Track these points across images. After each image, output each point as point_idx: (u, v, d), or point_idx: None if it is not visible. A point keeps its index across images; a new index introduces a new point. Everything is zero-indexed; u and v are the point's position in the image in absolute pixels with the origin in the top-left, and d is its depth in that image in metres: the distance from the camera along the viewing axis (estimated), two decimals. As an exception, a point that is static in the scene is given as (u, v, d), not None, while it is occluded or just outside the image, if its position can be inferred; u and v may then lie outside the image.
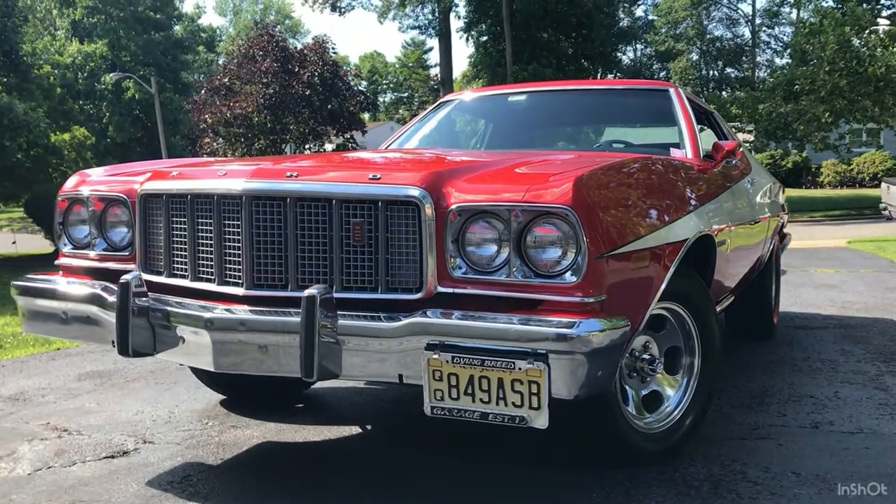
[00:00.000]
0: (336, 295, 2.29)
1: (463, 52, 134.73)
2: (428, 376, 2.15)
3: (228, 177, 2.44)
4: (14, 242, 21.93)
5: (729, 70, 70.01)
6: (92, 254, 2.85)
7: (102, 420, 3.39)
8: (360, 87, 20.59)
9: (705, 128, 5.16)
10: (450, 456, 2.94)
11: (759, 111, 31.40)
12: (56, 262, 2.95)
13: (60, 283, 2.77)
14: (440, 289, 2.27)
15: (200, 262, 2.52)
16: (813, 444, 3.11)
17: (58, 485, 2.64)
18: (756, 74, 66.42)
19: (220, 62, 30.29)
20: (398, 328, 2.17)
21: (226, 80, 18.75)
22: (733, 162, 4.08)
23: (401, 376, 2.21)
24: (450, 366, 2.13)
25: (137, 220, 2.69)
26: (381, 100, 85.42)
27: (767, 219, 4.97)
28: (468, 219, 2.25)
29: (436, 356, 2.13)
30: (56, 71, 40.07)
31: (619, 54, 48.83)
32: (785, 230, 6.40)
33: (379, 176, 2.33)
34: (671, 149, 3.82)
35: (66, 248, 2.92)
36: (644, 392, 2.89)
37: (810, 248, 14.71)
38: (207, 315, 2.30)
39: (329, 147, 20.23)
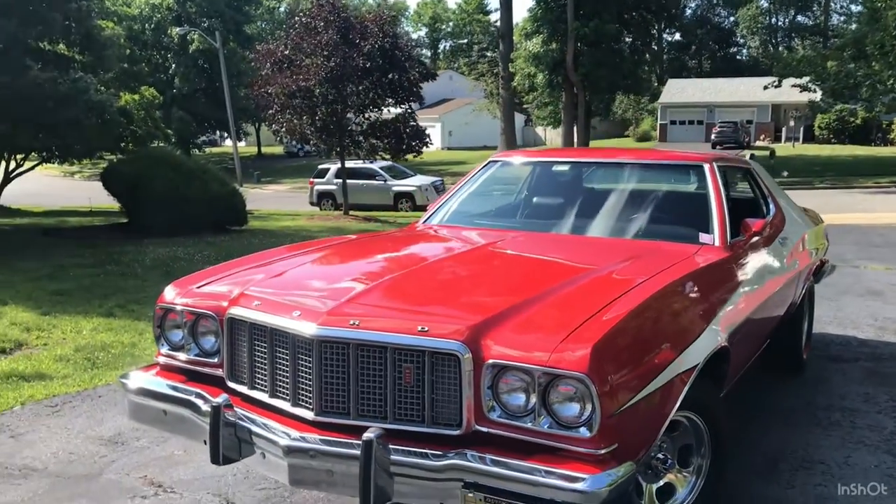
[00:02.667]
0: (388, 426, 2.76)
1: (524, 2, 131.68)
2: (463, 507, 2.61)
3: (302, 318, 2.90)
4: (90, 198, 23.21)
5: (800, 18, 67.56)
6: (185, 357, 3.36)
7: (190, 474, 3.94)
8: (419, 59, 20.72)
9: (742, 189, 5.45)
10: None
11: (828, 70, 30.61)
12: (155, 358, 3.48)
13: (161, 385, 3.29)
14: (477, 427, 2.72)
15: (278, 383, 3.01)
16: (810, 526, 3.49)
17: (160, 554, 3.20)
18: (828, 22, 64.08)
19: (283, 10, 30.56)
20: (441, 467, 2.63)
21: (287, 51, 19.15)
22: (764, 233, 4.39)
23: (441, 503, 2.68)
24: (480, 502, 2.58)
25: (225, 337, 3.18)
26: (440, 47, 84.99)
27: (798, 271, 5.25)
28: (500, 371, 2.67)
29: (471, 494, 2.59)
30: (123, 23, 41.04)
31: (683, 3, 47.59)
32: (825, 259, 6.63)
33: (427, 329, 2.75)
34: (700, 234, 4.15)
35: (164, 349, 3.44)
36: (657, 485, 3.31)
37: (868, 225, 14.45)
38: (284, 442, 2.79)
39: (388, 115, 20.56)
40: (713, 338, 3.32)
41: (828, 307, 7.94)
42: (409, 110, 20.50)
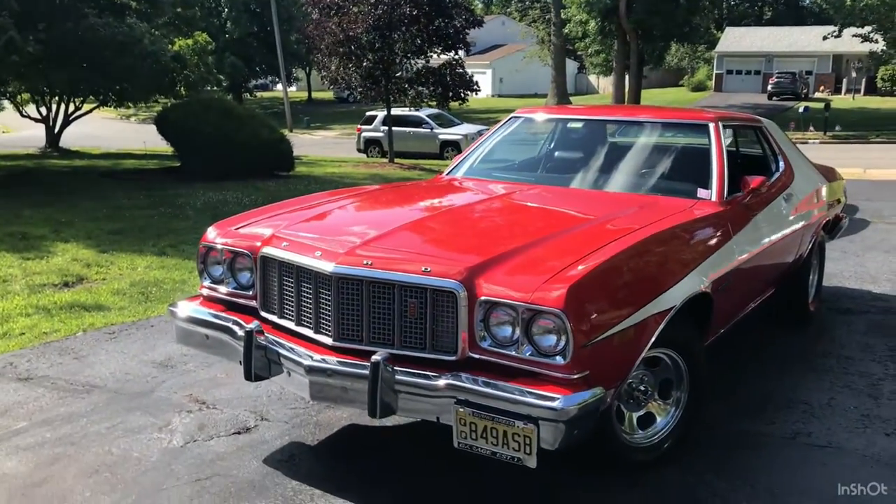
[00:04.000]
0: (395, 351, 3.20)
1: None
2: (455, 422, 3.05)
3: (323, 258, 3.33)
4: (145, 142, 24.04)
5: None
6: (224, 289, 3.84)
7: (230, 393, 4.46)
8: (466, 6, 20.77)
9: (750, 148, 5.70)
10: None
11: (892, 18, 29.75)
12: (199, 290, 3.96)
13: (204, 313, 3.77)
14: (470, 354, 3.14)
15: (303, 313, 3.46)
16: (782, 456, 3.86)
17: (202, 458, 3.72)
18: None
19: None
20: (438, 386, 3.06)
21: (335, -4, 19.45)
22: (762, 190, 4.68)
23: (437, 418, 3.13)
24: (471, 417, 3.02)
25: (258, 273, 3.64)
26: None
27: (805, 225, 5.52)
28: (491, 307, 3.08)
29: (462, 409, 3.03)
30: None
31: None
32: (841, 214, 6.83)
33: (429, 269, 3.16)
34: (699, 189, 4.46)
35: (206, 283, 3.92)
36: (639, 413, 3.72)
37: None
38: (307, 363, 3.25)
39: (436, 61, 20.76)
40: (694, 284, 3.67)
41: (851, 262, 8.14)
42: (456, 57, 20.69)
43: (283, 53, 37.81)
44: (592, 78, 59.45)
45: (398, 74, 19.92)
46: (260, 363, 3.46)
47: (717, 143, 4.68)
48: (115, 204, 11.95)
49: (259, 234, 3.76)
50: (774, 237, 4.94)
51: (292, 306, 3.51)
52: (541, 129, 5.52)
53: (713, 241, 4.05)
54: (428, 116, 24.94)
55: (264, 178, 15.58)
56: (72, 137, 28.66)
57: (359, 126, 26.91)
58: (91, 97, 23.56)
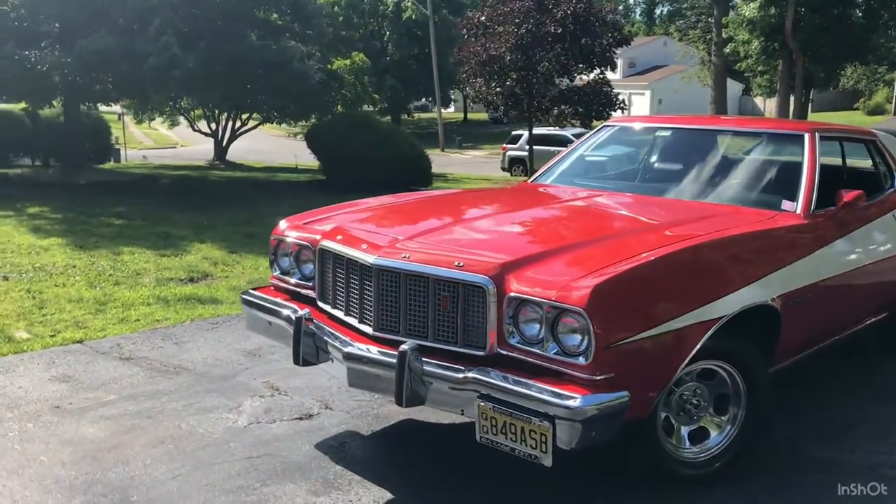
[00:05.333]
0: (429, 343, 3.27)
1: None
2: (478, 416, 3.07)
3: (367, 251, 3.45)
4: (296, 156, 25.49)
5: None
6: (291, 280, 4.04)
7: (304, 383, 4.66)
8: (615, 21, 20.53)
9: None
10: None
11: None
12: (270, 280, 4.19)
13: (267, 301, 3.98)
14: (499, 350, 3.15)
15: (350, 303, 3.59)
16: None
17: (260, 438, 3.92)
18: None
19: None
20: (462, 379, 3.10)
21: (483, 17, 19.78)
22: (858, 205, 4.38)
23: (462, 410, 3.16)
24: (492, 412, 3.03)
25: (316, 264, 3.82)
26: (657, 11, 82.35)
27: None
28: (519, 304, 3.09)
29: (483, 403, 3.05)
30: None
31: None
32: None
33: (462, 264, 3.21)
34: (784, 201, 4.25)
35: (276, 273, 4.14)
36: (691, 428, 3.58)
37: None
38: (346, 349, 3.38)
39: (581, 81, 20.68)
40: (754, 296, 3.51)
41: None
42: (601, 76, 20.50)
43: (438, 75, 38.76)
44: (758, 100, 56.96)
45: (541, 93, 19.97)
46: (309, 349, 3.62)
47: (811, 154, 4.44)
48: (258, 211, 12.68)
49: (323, 229, 3.94)
50: (880, 256, 4.62)
51: (342, 297, 3.65)
52: (632, 137, 5.44)
53: (787, 254, 3.85)
54: (573, 136, 24.77)
55: (403, 191, 16.00)
56: (239, 151, 30.68)
57: (504, 145, 27.16)
58: (256, 114, 25.17)
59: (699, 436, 3.60)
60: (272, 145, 39.08)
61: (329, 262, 3.74)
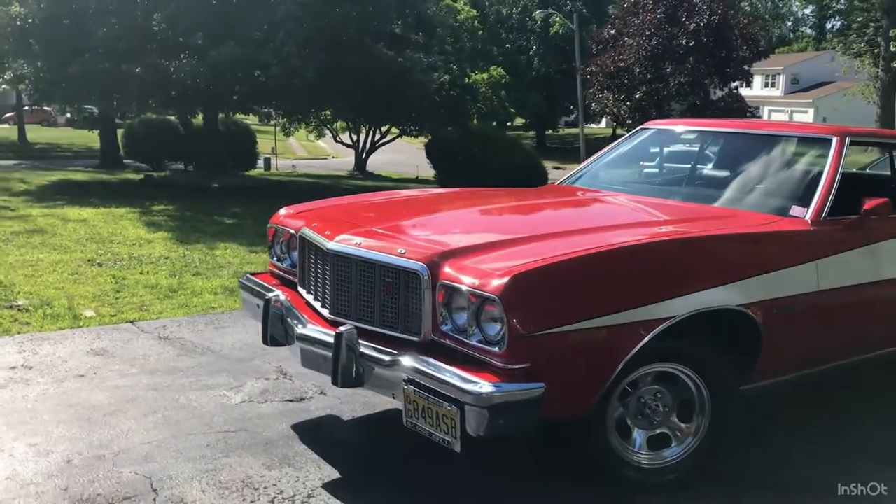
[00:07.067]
0: (375, 328, 3.35)
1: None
2: (403, 399, 3.12)
3: (328, 238, 3.58)
4: (417, 166, 26.12)
5: None
6: (284, 265, 4.23)
7: (311, 371, 4.82)
8: (752, 34, 19.74)
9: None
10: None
11: None
12: (268, 267, 4.40)
13: (258, 286, 4.18)
14: (433, 338, 3.19)
15: (317, 287, 3.73)
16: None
17: (245, 415, 4.12)
18: None
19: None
20: (389, 362, 3.16)
21: (613, 31, 19.58)
22: (881, 213, 4.05)
23: (393, 394, 3.22)
24: (414, 396, 3.07)
25: (298, 251, 3.98)
26: (827, 25, 77.89)
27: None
28: (451, 292, 3.11)
29: (407, 387, 3.09)
30: (491, 6, 44.09)
31: None
32: None
33: (403, 251, 3.27)
34: (793, 206, 4.03)
35: (273, 260, 4.34)
36: (652, 433, 3.46)
37: None
38: (300, 331, 3.52)
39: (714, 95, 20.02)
40: (719, 299, 3.35)
41: None
42: (735, 91, 19.77)
43: (582, 89, 38.50)
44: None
45: (670, 106, 19.48)
46: (278, 330, 3.78)
47: (835, 159, 4.17)
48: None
49: (309, 217, 4.10)
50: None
51: (313, 282, 3.80)
52: (661, 140, 5.29)
53: (775, 260, 3.64)
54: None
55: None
56: (381, 162, 31.73)
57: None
58: (393, 128, 25.97)
59: (660, 443, 3.47)
60: (415, 157, 40.03)
61: (305, 249, 3.89)
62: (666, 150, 5.25)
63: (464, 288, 3.03)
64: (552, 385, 2.94)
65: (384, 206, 4.43)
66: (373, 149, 30.05)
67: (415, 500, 3.38)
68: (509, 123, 49.83)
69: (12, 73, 16.67)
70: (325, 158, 44.25)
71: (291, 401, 4.36)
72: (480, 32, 33.59)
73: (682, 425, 3.48)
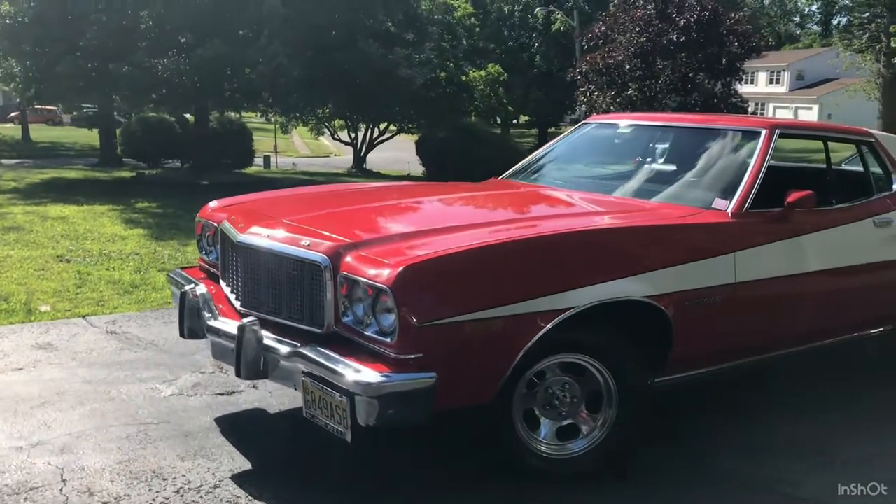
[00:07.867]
0: (282, 320, 3.37)
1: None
2: (302, 391, 3.14)
3: (241, 230, 3.60)
4: (409, 163, 26.19)
5: None
6: (210, 259, 4.25)
7: (251, 364, 4.85)
8: (745, 30, 19.57)
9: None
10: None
11: None
12: (197, 261, 4.42)
13: (181, 278, 4.20)
14: (335, 329, 3.20)
15: (232, 280, 3.75)
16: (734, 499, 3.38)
17: (171, 408, 4.15)
18: None
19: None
20: (289, 354, 3.18)
21: (603, 27, 19.53)
22: (804, 206, 4.03)
23: (295, 385, 3.24)
24: (311, 387, 3.10)
25: (219, 243, 4.00)
26: (833, 22, 77.53)
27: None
28: (351, 284, 3.13)
29: (305, 378, 3.12)
30: (493, 4, 44.02)
31: None
32: None
33: (308, 243, 3.29)
34: (716, 199, 4.03)
35: (202, 254, 4.36)
36: (562, 423, 3.47)
37: None
38: (209, 322, 3.54)
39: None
40: (621, 290, 3.36)
41: None
42: (731, 89, 19.68)
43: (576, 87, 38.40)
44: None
45: (662, 104, 19.38)
46: (195, 323, 3.80)
47: (762, 152, 4.18)
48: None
49: (230, 211, 4.11)
50: (841, 264, 4.26)
51: (229, 275, 3.82)
52: (603, 135, 5.29)
53: (688, 252, 3.64)
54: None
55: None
56: (379, 160, 31.70)
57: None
58: (392, 125, 25.99)
59: (570, 434, 3.48)
60: (414, 154, 40.05)
61: (224, 242, 3.91)
62: (612, 143, 5.23)
63: (361, 279, 3.04)
64: (447, 375, 2.96)
65: (313, 199, 4.46)
66: (371, 146, 30.07)
67: (321, 490, 3.39)
68: (515, 122, 49.76)
69: (2, 72, 16.75)
70: (328, 156, 44.28)
71: (222, 394, 4.39)
72: (478, 29, 33.56)
73: (590, 417, 3.49)
